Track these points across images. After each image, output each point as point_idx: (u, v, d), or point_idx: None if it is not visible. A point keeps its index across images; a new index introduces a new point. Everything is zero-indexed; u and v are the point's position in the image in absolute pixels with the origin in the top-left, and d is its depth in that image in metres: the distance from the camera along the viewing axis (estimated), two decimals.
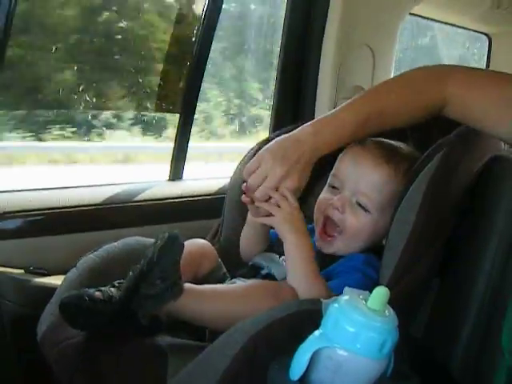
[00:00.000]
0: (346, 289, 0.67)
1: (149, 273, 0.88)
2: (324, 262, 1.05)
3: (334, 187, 1.08)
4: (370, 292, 0.64)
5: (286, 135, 0.96)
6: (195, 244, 1.15)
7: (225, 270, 1.16)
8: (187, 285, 0.94)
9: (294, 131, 0.97)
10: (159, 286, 0.88)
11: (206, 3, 1.64)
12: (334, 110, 0.98)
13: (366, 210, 1.03)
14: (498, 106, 0.89)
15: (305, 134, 0.95)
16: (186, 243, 1.13)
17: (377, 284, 0.93)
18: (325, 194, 1.09)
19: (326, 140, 0.95)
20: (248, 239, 1.16)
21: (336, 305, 0.64)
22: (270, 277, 1.05)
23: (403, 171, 1.03)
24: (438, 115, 0.97)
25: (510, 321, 0.77)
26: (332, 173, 1.10)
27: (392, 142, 1.09)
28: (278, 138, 0.96)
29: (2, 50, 1.23)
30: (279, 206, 0.96)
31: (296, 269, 0.97)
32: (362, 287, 0.69)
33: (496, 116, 0.90)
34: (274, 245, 1.14)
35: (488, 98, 0.91)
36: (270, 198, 0.96)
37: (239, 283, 1.05)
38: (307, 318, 0.70)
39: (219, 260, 1.16)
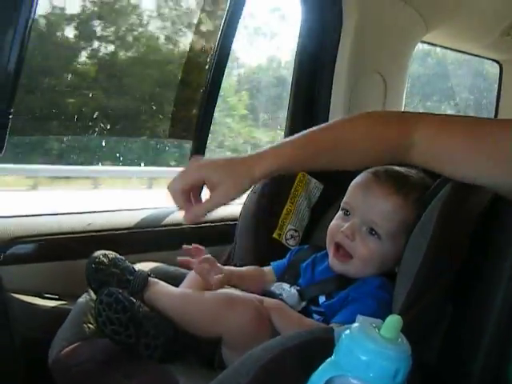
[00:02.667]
0: (359, 317, 0.66)
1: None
2: (339, 284, 1.07)
3: (345, 213, 1.10)
4: (385, 317, 0.63)
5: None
6: None
7: None
8: (162, 283, 1.07)
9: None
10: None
11: (220, 31, 1.67)
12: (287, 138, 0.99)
13: (376, 238, 1.04)
14: (468, 151, 0.88)
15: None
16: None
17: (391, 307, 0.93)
18: (336, 221, 1.11)
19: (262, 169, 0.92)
20: None
21: (348, 333, 0.63)
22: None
23: (413, 200, 1.04)
24: (400, 161, 0.95)
25: None
26: (344, 200, 1.11)
27: (403, 169, 1.10)
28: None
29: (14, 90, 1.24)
30: None
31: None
32: (376, 313, 0.68)
33: (465, 161, 0.89)
34: (284, 275, 1.17)
35: (458, 144, 0.89)
36: None
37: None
38: (319, 347, 0.70)
39: None
